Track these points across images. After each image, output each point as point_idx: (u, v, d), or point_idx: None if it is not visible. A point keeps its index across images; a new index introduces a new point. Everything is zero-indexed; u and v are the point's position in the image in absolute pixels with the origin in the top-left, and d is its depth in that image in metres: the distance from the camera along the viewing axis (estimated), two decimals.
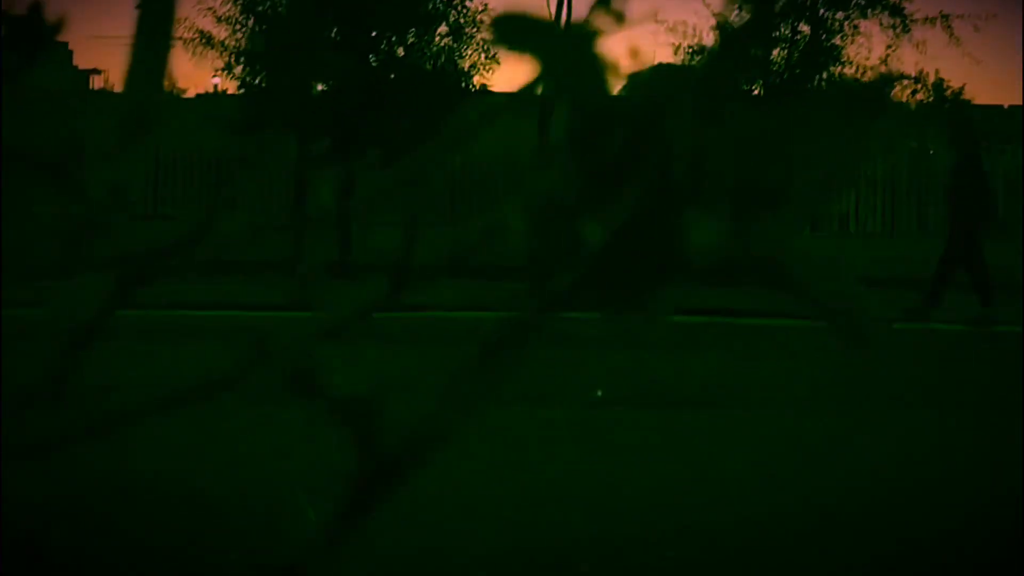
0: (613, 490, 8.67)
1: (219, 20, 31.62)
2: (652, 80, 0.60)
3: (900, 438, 10.82)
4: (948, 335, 18.81)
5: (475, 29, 31.87)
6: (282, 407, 10.72)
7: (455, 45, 31.90)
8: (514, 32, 0.72)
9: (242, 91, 31.19)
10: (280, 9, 30.54)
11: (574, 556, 7.09)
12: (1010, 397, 12.54)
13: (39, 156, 0.83)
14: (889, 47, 37.32)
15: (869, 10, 35.71)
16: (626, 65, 0.63)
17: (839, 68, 34.58)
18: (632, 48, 0.67)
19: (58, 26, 0.88)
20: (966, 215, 20.75)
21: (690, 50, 36.71)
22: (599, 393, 10.42)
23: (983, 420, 11.59)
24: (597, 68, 0.61)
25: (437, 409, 0.59)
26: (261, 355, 0.57)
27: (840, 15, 35.15)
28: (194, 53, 30.40)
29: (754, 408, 12.01)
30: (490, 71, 32.62)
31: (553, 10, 24.23)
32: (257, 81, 31.16)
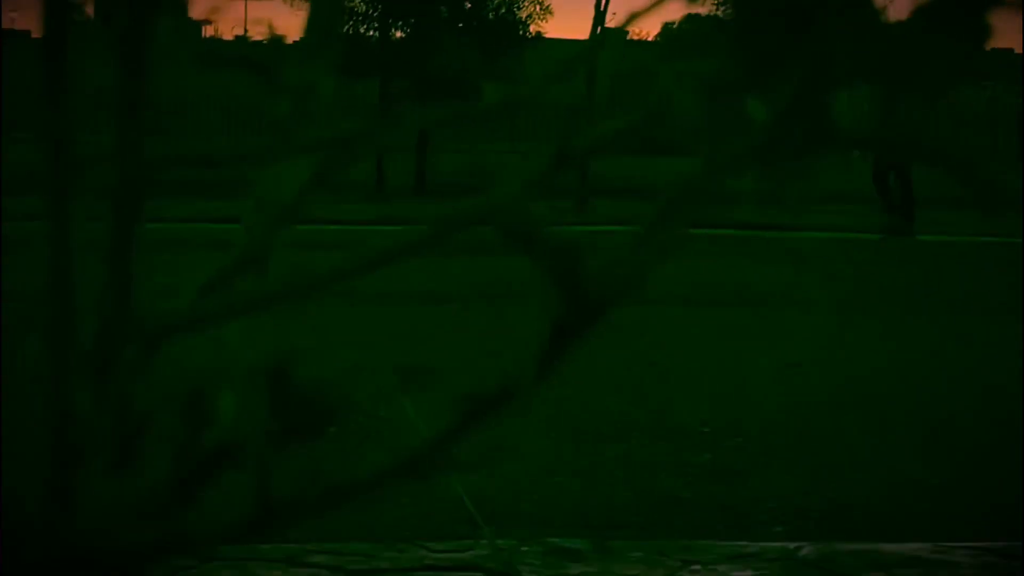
0: (661, 376, 8.69)
1: None
2: None
3: (917, 335, 10.80)
4: (934, 245, 18.71)
5: None
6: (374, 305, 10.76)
7: None
8: None
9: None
10: None
11: (619, 430, 7.11)
12: (998, 300, 12.50)
13: (248, 59, 0.82)
14: None
15: None
16: None
17: None
18: None
19: None
20: None
21: None
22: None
23: (973, 321, 11.57)
24: None
25: (630, 256, 0.58)
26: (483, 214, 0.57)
27: None
28: (292, 4, 30.26)
29: (784, 308, 12.02)
30: (544, 20, 32.52)
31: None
32: (345, 29, 31.14)
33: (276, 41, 0.87)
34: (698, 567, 4.89)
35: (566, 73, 0.83)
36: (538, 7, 32.22)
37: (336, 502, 0.63)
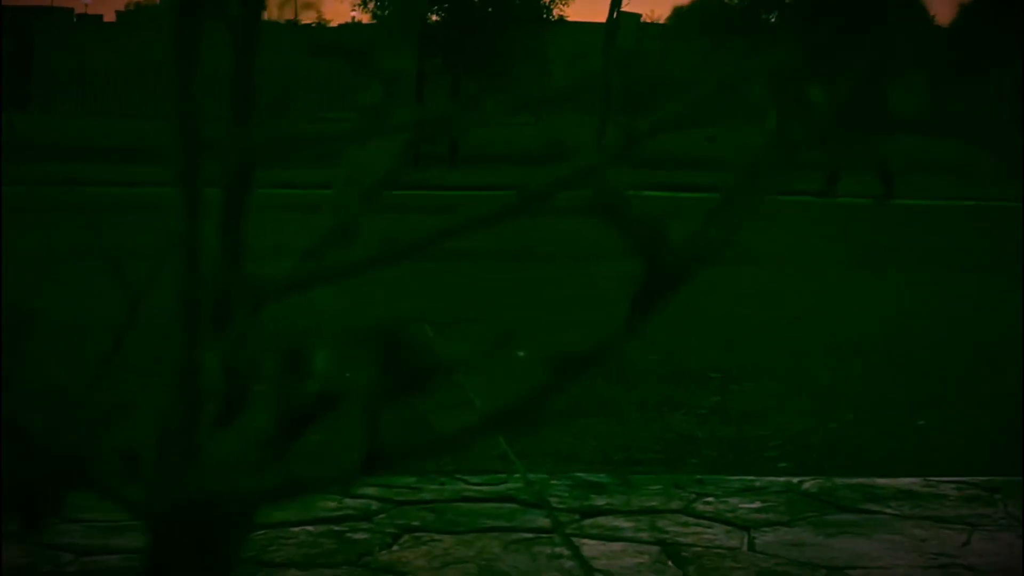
0: (672, 328, 8.68)
1: None
2: None
3: (905, 289, 10.77)
4: (915, 209, 18.61)
5: None
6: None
7: None
8: None
9: (374, 22, 31.23)
10: None
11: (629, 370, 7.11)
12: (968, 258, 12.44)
13: (347, 47, 0.81)
14: None
15: None
16: None
17: None
18: None
19: None
20: None
21: None
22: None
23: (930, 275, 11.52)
24: None
25: (704, 229, 0.57)
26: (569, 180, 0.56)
27: None
28: None
29: (782, 266, 12.00)
30: (566, 4, 32.38)
31: None
32: (384, 13, 31.06)
33: (364, 28, 0.86)
34: (711, 499, 4.89)
35: (629, 57, 0.82)
36: None
37: (440, 450, 0.63)
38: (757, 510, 4.77)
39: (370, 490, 4.88)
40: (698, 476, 5.20)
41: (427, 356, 0.58)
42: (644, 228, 0.55)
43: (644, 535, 4.47)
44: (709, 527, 4.58)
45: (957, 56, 0.58)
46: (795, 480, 5.15)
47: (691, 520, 4.65)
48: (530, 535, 4.45)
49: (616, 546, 4.37)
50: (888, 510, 4.81)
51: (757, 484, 5.09)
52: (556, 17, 31.58)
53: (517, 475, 5.08)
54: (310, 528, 4.47)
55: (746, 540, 4.47)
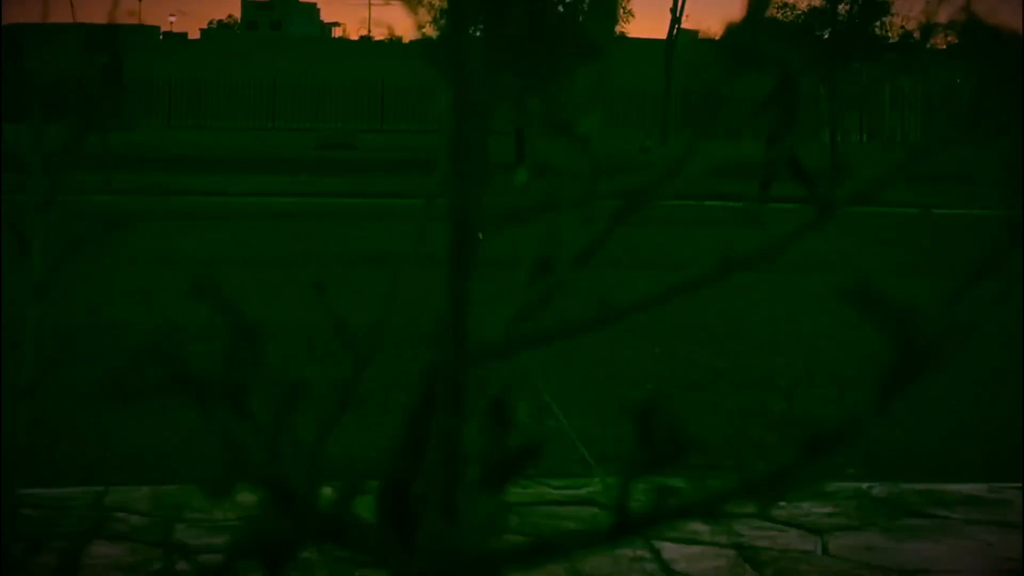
0: (737, 333, 8.64)
1: None
2: None
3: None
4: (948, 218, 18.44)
5: None
6: None
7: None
8: None
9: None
10: None
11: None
12: None
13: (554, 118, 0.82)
14: None
15: None
16: None
17: (890, 19, 32.56)
18: None
19: None
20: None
21: None
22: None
23: None
24: None
25: (950, 311, 0.57)
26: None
27: None
28: (412, 9, 30.37)
29: (845, 272, 11.91)
30: (626, 22, 32.30)
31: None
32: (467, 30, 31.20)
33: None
34: (784, 504, 4.86)
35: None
36: (621, 10, 32.07)
37: (686, 517, 0.63)
38: (828, 514, 4.75)
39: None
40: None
41: (680, 432, 0.58)
42: (893, 312, 0.55)
43: (721, 538, 4.46)
44: (784, 531, 4.56)
45: None
46: (864, 485, 5.11)
47: (766, 524, 4.63)
48: None
49: (695, 549, 4.36)
50: (955, 515, 4.77)
51: (828, 489, 5.06)
52: (618, 34, 31.54)
53: (596, 479, 5.07)
54: None
55: (819, 544, 4.44)
